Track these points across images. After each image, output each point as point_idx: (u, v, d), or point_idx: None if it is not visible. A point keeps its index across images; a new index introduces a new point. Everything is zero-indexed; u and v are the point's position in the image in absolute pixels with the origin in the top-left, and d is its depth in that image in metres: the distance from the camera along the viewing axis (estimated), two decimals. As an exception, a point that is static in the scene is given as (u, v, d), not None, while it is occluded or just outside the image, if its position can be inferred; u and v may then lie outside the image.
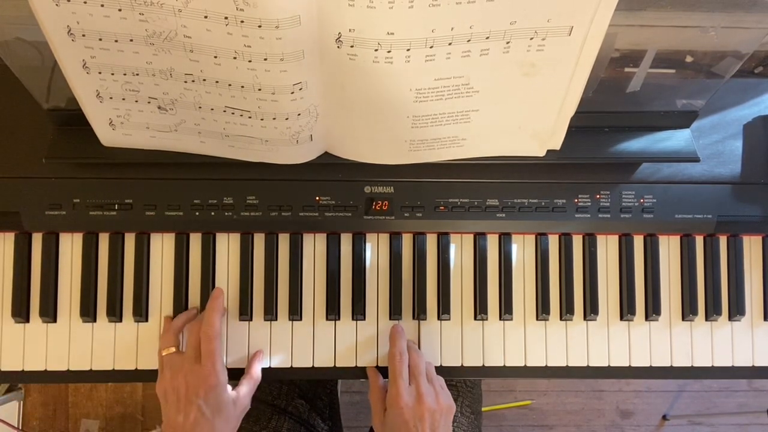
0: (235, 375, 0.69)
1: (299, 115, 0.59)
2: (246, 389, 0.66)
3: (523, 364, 0.73)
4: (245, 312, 0.71)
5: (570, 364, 0.73)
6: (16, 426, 1.45)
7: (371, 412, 0.68)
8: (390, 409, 0.63)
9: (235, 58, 0.53)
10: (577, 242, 0.74)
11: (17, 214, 0.69)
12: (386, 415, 0.64)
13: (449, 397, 0.65)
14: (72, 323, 0.71)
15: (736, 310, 0.74)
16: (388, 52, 0.52)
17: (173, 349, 0.66)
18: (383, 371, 0.71)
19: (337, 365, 0.72)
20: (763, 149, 0.75)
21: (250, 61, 0.53)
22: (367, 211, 0.71)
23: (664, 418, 1.61)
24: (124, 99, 0.60)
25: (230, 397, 0.64)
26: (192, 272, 0.72)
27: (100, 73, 0.57)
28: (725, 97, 0.75)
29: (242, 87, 0.56)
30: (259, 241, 0.72)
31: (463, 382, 0.90)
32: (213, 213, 0.70)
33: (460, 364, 0.72)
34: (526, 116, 0.63)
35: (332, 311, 0.72)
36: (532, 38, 0.53)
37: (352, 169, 0.69)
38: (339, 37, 0.51)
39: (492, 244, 0.74)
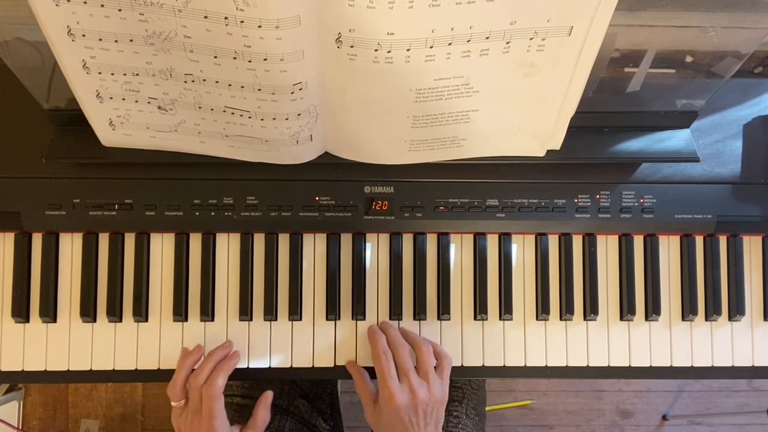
0: (234, 376, 0.69)
1: (299, 115, 0.59)
2: None
3: (523, 364, 0.73)
4: (245, 312, 0.71)
5: (570, 364, 0.73)
6: (16, 426, 1.45)
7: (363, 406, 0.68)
8: (384, 407, 0.64)
9: (235, 58, 0.53)
10: (577, 242, 0.74)
11: (17, 214, 0.69)
12: (381, 414, 0.65)
13: (441, 389, 0.66)
14: (72, 323, 0.71)
15: (736, 310, 0.74)
16: (388, 52, 0.52)
17: (182, 402, 0.67)
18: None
19: (337, 365, 0.72)
20: (763, 149, 0.75)
21: (250, 61, 0.53)
22: (367, 211, 0.71)
23: (664, 418, 1.62)
24: (124, 99, 0.60)
25: None
26: (192, 272, 0.72)
27: (100, 73, 0.57)
28: (725, 97, 0.75)
29: (242, 87, 0.56)
30: (259, 241, 0.72)
31: (468, 383, 0.90)
32: (213, 213, 0.70)
33: (460, 364, 0.72)
34: (526, 116, 0.63)
35: (332, 311, 0.72)
36: (532, 38, 0.53)
37: (352, 169, 0.69)
38: (339, 38, 0.51)
39: (492, 244, 0.74)
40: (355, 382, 0.69)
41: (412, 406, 0.63)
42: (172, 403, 0.67)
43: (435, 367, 0.66)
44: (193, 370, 0.67)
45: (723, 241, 0.75)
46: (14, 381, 0.85)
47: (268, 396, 0.70)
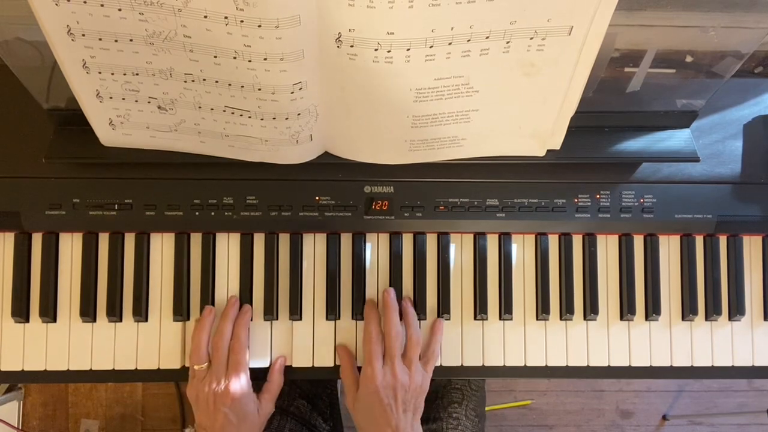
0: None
1: (299, 114, 0.59)
2: (268, 396, 0.70)
3: (523, 364, 0.73)
4: (245, 312, 0.71)
5: (570, 364, 0.73)
6: (16, 426, 1.45)
7: (343, 391, 0.70)
8: (363, 387, 0.66)
9: (234, 57, 0.53)
10: (577, 242, 0.74)
11: (17, 214, 0.69)
12: (359, 394, 0.67)
13: (424, 378, 0.68)
14: (72, 323, 0.71)
15: (736, 310, 0.74)
16: (388, 52, 0.52)
17: (205, 365, 0.68)
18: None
19: (337, 365, 0.72)
20: (763, 149, 0.75)
21: (249, 61, 0.53)
22: (367, 211, 0.71)
23: (664, 418, 1.61)
24: (123, 99, 0.60)
25: (254, 405, 0.67)
26: (192, 272, 0.72)
27: (99, 73, 0.57)
28: (725, 97, 0.75)
29: (242, 87, 0.56)
30: (259, 241, 0.72)
31: (468, 385, 0.90)
32: (213, 213, 0.70)
33: (460, 364, 0.72)
34: (526, 116, 0.63)
35: (332, 311, 0.72)
36: (532, 38, 0.53)
37: (352, 169, 0.69)
38: (339, 37, 0.51)
39: (492, 244, 0.74)
40: (342, 366, 0.70)
41: (392, 388, 0.65)
42: (195, 367, 0.68)
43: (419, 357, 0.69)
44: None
45: (723, 240, 0.75)
46: (14, 381, 0.85)
47: (282, 360, 0.71)
